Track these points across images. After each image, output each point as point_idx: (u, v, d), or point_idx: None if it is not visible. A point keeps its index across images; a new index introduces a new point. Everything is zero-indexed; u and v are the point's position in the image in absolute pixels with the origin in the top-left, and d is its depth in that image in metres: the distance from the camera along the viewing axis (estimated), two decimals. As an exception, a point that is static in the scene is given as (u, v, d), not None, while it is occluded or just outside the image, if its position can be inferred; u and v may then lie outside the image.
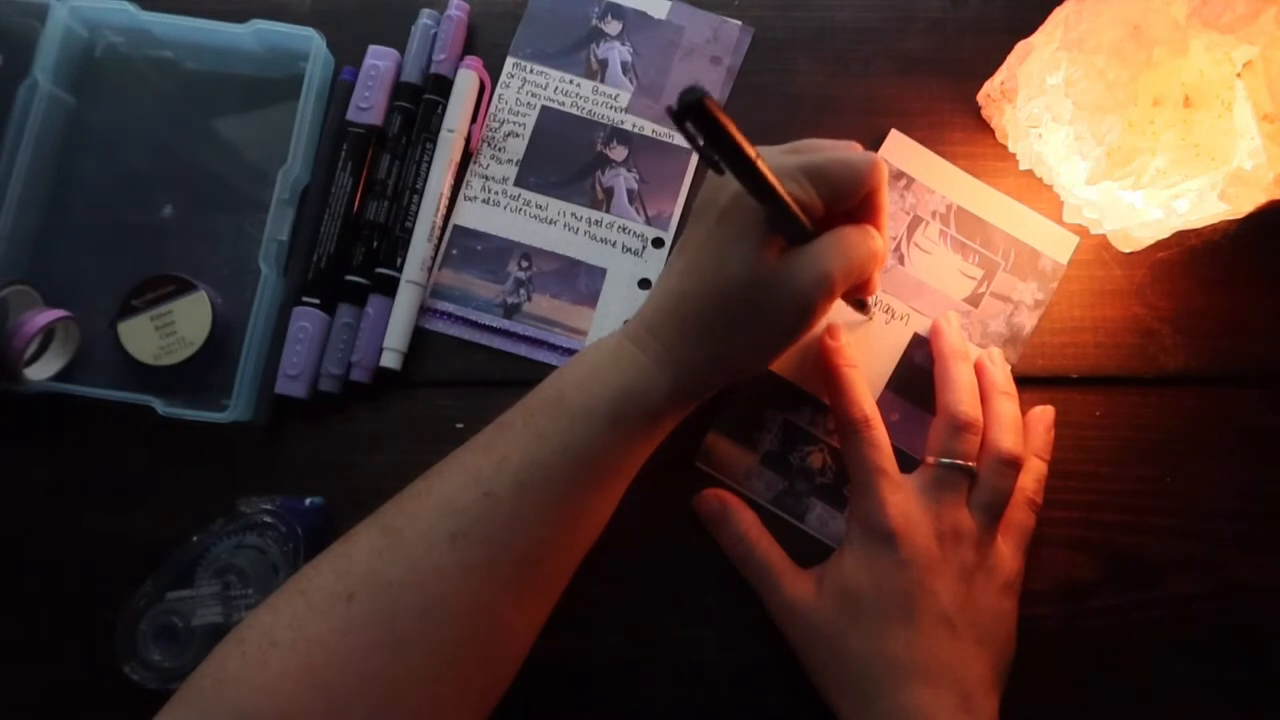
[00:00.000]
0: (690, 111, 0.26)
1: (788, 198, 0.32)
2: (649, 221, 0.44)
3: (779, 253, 0.34)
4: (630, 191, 0.45)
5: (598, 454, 0.34)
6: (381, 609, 0.31)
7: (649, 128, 0.45)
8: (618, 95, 0.45)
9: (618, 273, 0.44)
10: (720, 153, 0.29)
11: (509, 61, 0.46)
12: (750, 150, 0.29)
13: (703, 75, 0.45)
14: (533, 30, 0.46)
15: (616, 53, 0.46)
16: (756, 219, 0.34)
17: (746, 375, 0.38)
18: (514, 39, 0.46)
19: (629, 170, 0.45)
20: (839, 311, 0.43)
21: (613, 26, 0.46)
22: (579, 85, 0.45)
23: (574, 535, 0.36)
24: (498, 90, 0.45)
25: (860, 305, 0.42)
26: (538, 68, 0.46)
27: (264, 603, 0.32)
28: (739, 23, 0.46)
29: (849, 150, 0.35)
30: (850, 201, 0.35)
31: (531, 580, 0.34)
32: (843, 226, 0.35)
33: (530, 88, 0.45)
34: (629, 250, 0.44)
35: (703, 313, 0.35)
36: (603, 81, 0.45)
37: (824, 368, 0.42)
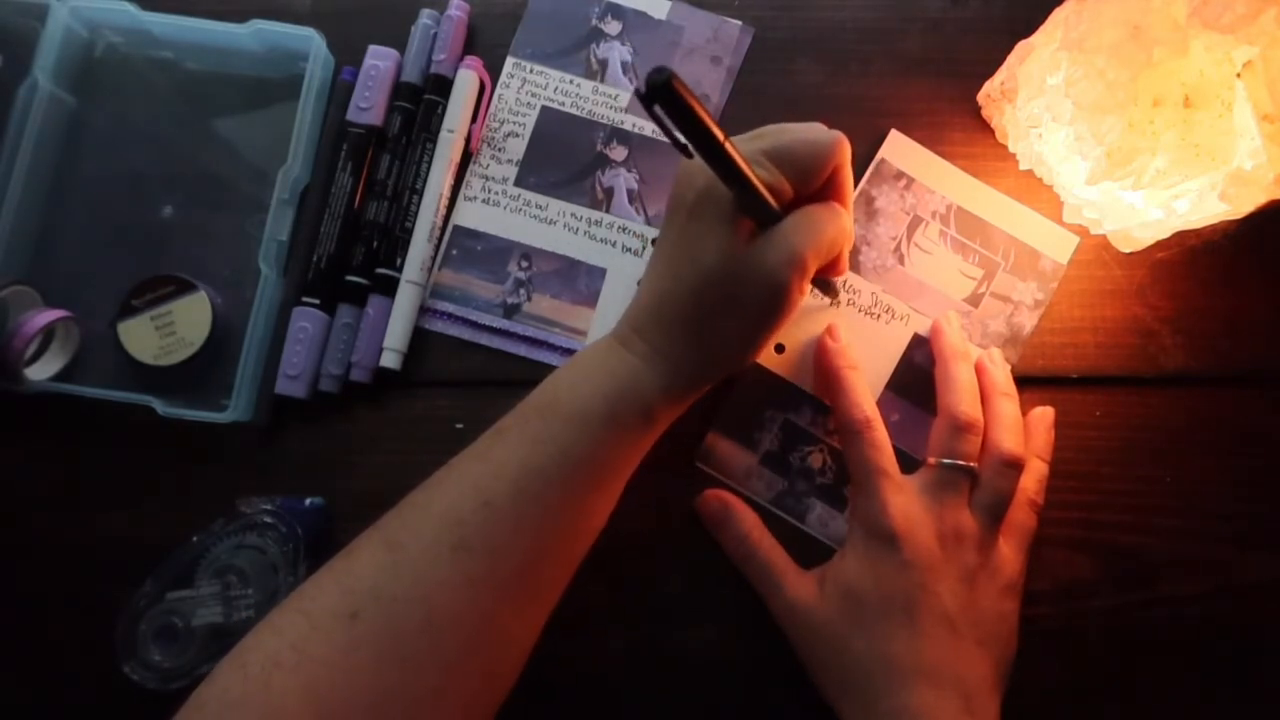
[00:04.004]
0: (658, 93, 0.26)
1: (755, 180, 0.32)
2: (649, 221, 0.44)
3: (749, 239, 0.35)
4: (630, 191, 0.45)
5: (594, 456, 0.35)
6: (386, 626, 0.31)
7: (649, 128, 0.45)
8: (618, 95, 0.45)
9: (618, 273, 0.44)
10: (688, 135, 0.29)
11: (509, 61, 0.46)
12: (718, 132, 0.29)
13: (703, 75, 0.45)
14: (533, 30, 0.46)
15: (616, 53, 0.46)
16: (725, 210, 0.34)
17: (737, 366, 0.38)
18: (514, 39, 0.46)
19: (629, 170, 0.45)
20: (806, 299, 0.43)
21: (613, 26, 0.46)
22: (579, 85, 0.45)
23: (574, 539, 0.36)
24: (498, 90, 0.45)
25: (826, 287, 0.42)
26: (538, 68, 0.46)
27: (265, 621, 0.32)
28: (739, 23, 0.46)
29: (812, 130, 0.35)
30: (817, 180, 0.35)
31: (533, 587, 0.34)
32: (809, 206, 0.35)
33: (530, 88, 0.45)
34: (629, 250, 0.44)
35: (683, 308, 0.35)
36: (603, 81, 0.45)
37: (824, 369, 0.42)
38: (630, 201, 0.44)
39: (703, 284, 0.35)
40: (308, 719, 0.29)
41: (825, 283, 0.41)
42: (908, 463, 0.40)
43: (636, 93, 0.27)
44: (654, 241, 0.43)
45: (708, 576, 0.41)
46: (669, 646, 0.41)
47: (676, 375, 0.36)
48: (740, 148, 0.32)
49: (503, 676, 0.34)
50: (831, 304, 0.43)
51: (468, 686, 0.32)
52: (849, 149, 0.35)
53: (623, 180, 0.45)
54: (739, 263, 0.34)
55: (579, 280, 0.44)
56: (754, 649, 0.40)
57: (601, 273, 0.44)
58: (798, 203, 0.35)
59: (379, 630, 0.31)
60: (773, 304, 0.35)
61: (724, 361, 0.37)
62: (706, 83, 0.45)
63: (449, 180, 0.44)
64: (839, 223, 0.35)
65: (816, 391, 0.43)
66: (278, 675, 0.30)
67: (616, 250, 0.44)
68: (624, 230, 0.44)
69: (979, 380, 0.41)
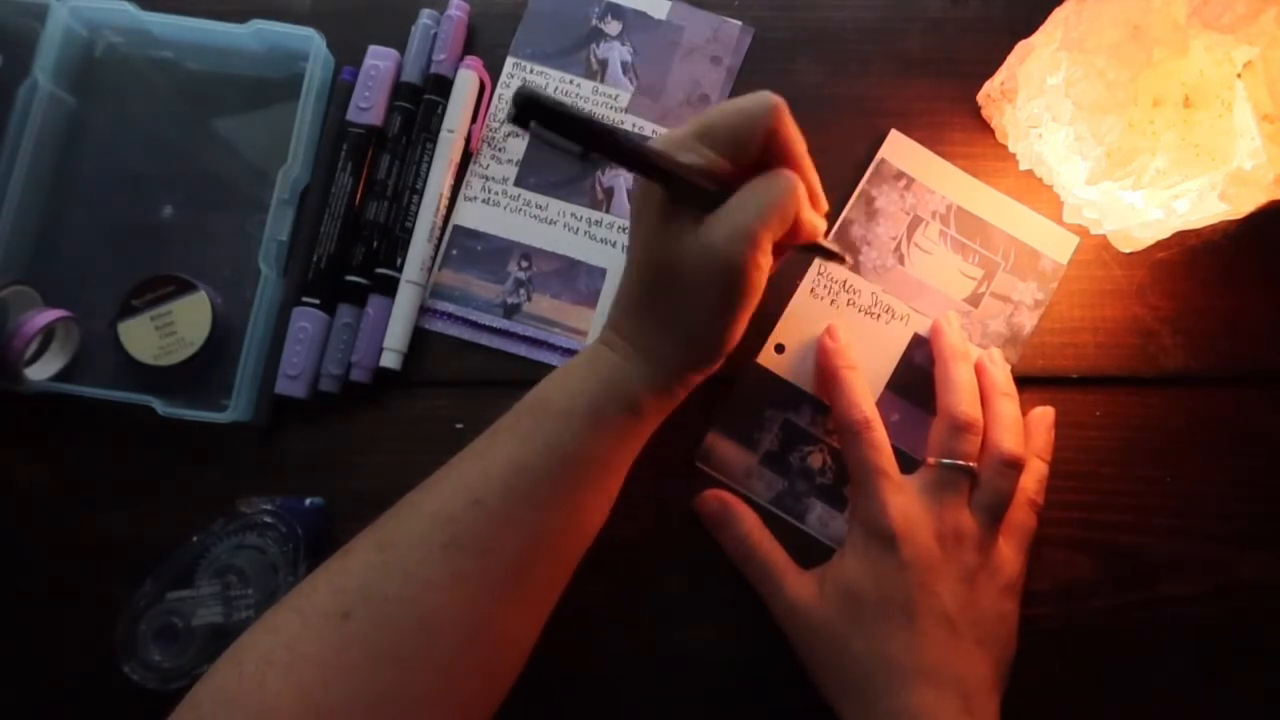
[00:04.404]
0: (527, 109, 0.26)
1: (673, 166, 0.32)
2: (649, 221, 0.44)
3: (696, 223, 0.34)
4: (630, 191, 0.44)
5: (581, 453, 0.35)
6: (377, 625, 0.31)
7: (649, 128, 0.45)
8: (618, 95, 0.45)
9: (618, 273, 0.44)
10: (579, 141, 0.29)
11: (509, 62, 0.46)
12: (603, 125, 0.29)
13: (703, 75, 0.45)
14: (533, 30, 0.46)
15: (616, 53, 0.46)
16: (662, 200, 0.34)
17: (717, 351, 0.36)
18: (514, 39, 0.46)
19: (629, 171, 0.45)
20: (821, 281, 0.43)
21: (613, 26, 0.46)
22: (579, 85, 0.45)
23: (566, 538, 0.35)
24: (498, 90, 0.45)
25: (827, 254, 0.40)
26: (538, 68, 0.46)
27: (261, 620, 0.32)
28: (739, 23, 0.46)
29: (741, 100, 0.34)
30: (753, 148, 0.34)
31: (527, 586, 0.34)
32: (754, 179, 0.34)
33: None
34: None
35: (646, 300, 0.36)
36: (603, 82, 0.45)
37: (823, 369, 0.42)
38: (630, 202, 0.44)
39: (656, 276, 0.35)
40: (301, 718, 0.29)
41: (823, 250, 0.39)
42: (908, 463, 0.40)
43: (510, 118, 0.27)
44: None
45: (708, 576, 0.41)
46: (669, 646, 0.41)
47: (656, 366, 0.36)
48: (667, 135, 0.33)
49: (500, 676, 0.34)
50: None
51: (463, 686, 0.32)
52: (784, 111, 0.34)
53: (623, 180, 0.45)
54: (685, 249, 0.34)
55: (579, 280, 0.44)
56: (754, 649, 0.40)
57: (601, 272, 0.44)
58: (746, 175, 0.34)
59: (371, 629, 0.31)
60: (732, 283, 0.34)
61: (701, 347, 0.36)
62: (706, 83, 0.45)
63: (449, 180, 0.44)
64: (786, 187, 0.34)
65: (816, 391, 0.42)
66: (271, 674, 0.30)
67: (616, 250, 0.44)
68: (623, 230, 0.44)
69: (979, 380, 0.41)
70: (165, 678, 0.38)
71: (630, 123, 0.45)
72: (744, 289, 0.34)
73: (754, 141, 0.34)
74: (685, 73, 0.45)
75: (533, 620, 0.35)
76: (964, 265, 0.43)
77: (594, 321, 0.43)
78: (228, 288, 0.43)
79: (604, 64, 0.46)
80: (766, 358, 0.43)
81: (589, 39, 0.46)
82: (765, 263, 0.34)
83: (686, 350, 0.36)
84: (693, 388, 0.38)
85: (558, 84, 0.45)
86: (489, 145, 0.45)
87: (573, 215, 0.44)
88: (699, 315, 0.35)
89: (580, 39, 0.46)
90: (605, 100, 0.45)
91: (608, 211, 0.44)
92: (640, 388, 0.35)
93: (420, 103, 0.45)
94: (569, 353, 0.43)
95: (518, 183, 0.45)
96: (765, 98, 0.34)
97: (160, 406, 0.41)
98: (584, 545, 0.36)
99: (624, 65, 0.46)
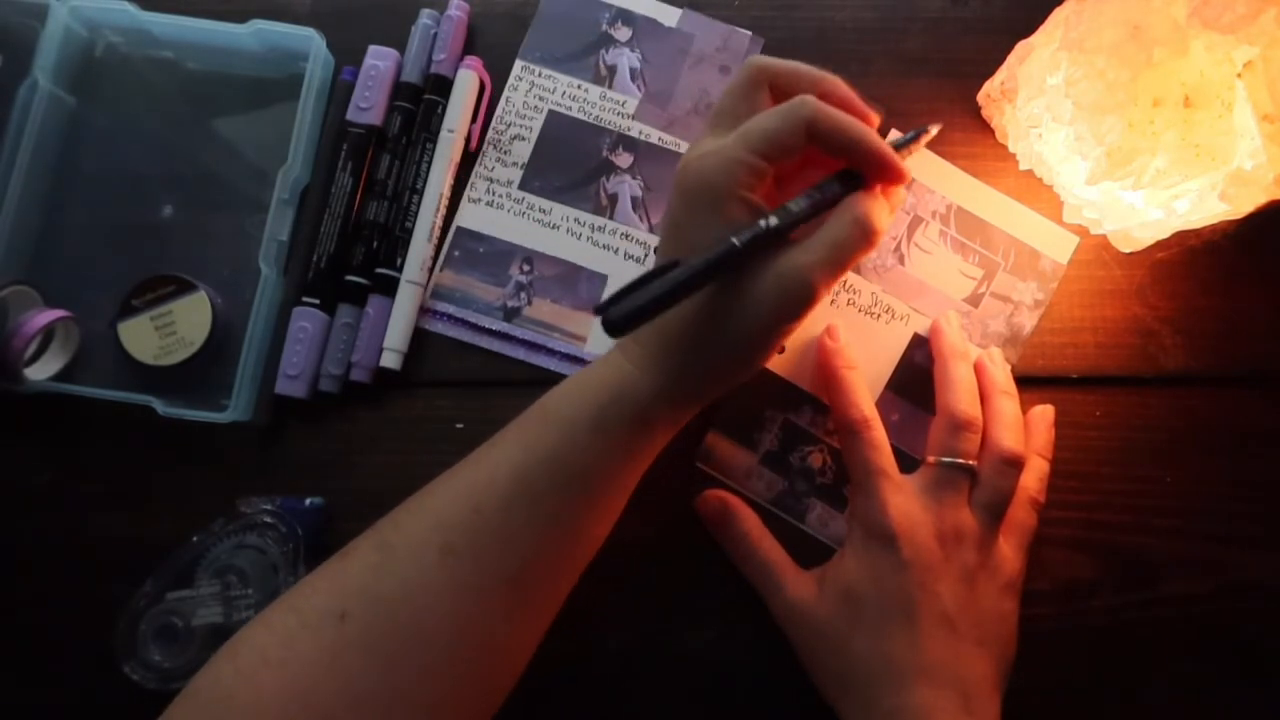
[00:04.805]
0: (623, 328, 0.30)
1: (749, 251, 0.32)
2: (652, 229, 0.44)
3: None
4: (634, 199, 0.44)
5: (584, 464, 0.34)
6: (373, 627, 0.31)
7: (655, 135, 0.45)
8: (625, 102, 0.45)
9: (619, 279, 0.44)
10: (670, 304, 0.31)
11: (517, 64, 0.46)
12: (681, 281, 0.30)
13: (711, 84, 0.45)
14: (542, 34, 0.46)
15: (625, 59, 0.46)
16: (722, 235, 0.33)
17: (738, 381, 0.36)
18: (524, 42, 0.46)
19: (634, 177, 0.45)
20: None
21: (623, 33, 0.46)
22: (587, 90, 0.45)
23: (566, 550, 0.35)
24: (505, 93, 0.45)
25: (912, 141, 0.39)
26: (546, 71, 0.46)
27: (260, 616, 0.32)
28: (749, 32, 0.45)
29: (779, 108, 0.33)
30: (796, 149, 0.33)
31: (524, 596, 0.34)
32: (828, 221, 0.33)
33: (538, 91, 0.45)
34: (631, 257, 0.44)
35: (684, 323, 0.34)
36: (611, 88, 0.45)
37: (823, 369, 0.42)
38: (634, 209, 0.44)
39: (711, 295, 0.33)
40: (294, 717, 0.29)
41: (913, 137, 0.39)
42: (908, 463, 0.40)
43: (608, 332, 0.30)
44: (655, 250, 0.43)
45: (708, 576, 0.41)
46: (669, 646, 0.41)
47: (671, 384, 0.34)
48: (724, 153, 0.33)
49: (494, 684, 0.34)
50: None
51: (457, 692, 0.32)
52: (814, 103, 0.33)
53: (627, 187, 0.44)
54: (744, 293, 0.33)
55: (580, 286, 0.44)
56: (754, 649, 0.40)
57: (603, 279, 0.44)
58: (794, 173, 0.34)
59: (366, 631, 0.31)
60: (798, 306, 0.33)
61: (722, 375, 0.36)
62: (715, 92, 0.45)
63: (449, 180, 0.44)
64: (867, 230, 0.33)
65: (816, 391, 0.42)
66: (266, 672, 0.30)
67: (619, 257, 0.44)
68: (627, 237, 0.44)
69: (979, 379, 0.41)
70: (165, 678, 0.38)
71: (636, 130, 0.45)
72: (806, 312, 0.33)
73: (796, 143, 0.33)
74: (693, 81, 0.45)
75: (530, 630, 0.35)
76: (964, 265, 0.43)
77: (593, 327, 0.43)
78: (228, 288, 0.43)
79: (612, 70, 0.46)
80: (767, 358, 0.43)
81: (598, 44, 0.46)
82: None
83: (715, 370, 0.35)
84: (705, 407, 0.37)
85: (566, 88, 0.45)
86: (495, 148, 0.45)
87: (576, 220, 0.44)
88: (751, 336, 0.34)
89: (590, 44, 0.46)
90: (613, 106, 0.45)
91: (611, 218, 0.44)
92: (650, 400, 0.34)
93: (420, 103, 0.45)
94: (568, 358, 0.43)
95: (522, 186, 0.45)
96: (799, 100, 0.33)
97: (160, 406, 0.41)
98: (585, 559, 0.36)
99: (632, 72, 0.46)
